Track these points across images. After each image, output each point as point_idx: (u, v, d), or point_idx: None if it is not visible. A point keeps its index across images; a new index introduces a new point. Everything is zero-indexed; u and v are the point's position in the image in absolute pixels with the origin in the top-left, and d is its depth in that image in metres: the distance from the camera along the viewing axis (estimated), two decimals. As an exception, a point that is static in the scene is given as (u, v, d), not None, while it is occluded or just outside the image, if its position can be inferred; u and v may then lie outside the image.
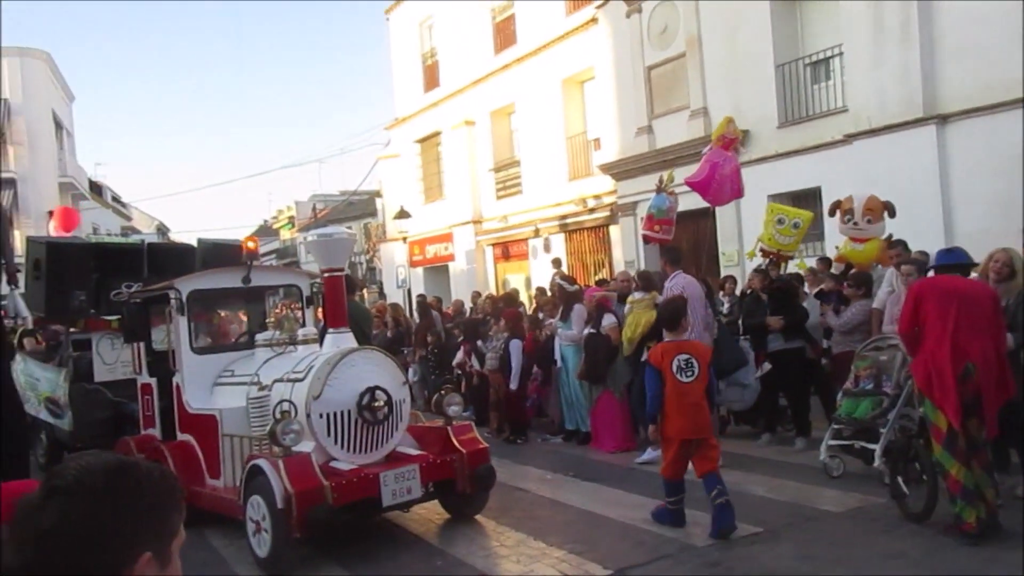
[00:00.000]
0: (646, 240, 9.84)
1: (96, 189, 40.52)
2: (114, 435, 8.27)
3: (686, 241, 13.03)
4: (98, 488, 1.18)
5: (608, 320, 8.62)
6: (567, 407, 9.47)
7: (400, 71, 24.16)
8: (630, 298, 8.51)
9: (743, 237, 13.11)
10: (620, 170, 15.73)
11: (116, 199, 46.13)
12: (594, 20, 16.42)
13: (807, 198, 12.30)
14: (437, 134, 22.28)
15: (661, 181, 9.20)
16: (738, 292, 10.88)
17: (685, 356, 5.69)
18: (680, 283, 7.71)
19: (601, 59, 16.44)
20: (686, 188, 9.40)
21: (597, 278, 14.52)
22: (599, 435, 8.86)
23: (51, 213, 21.60)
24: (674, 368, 5.63)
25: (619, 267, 15.49)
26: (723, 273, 12.96)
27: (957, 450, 4.98)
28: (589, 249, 17.82)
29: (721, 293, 10.94)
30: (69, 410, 8.95)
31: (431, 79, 22.78)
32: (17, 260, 8.15)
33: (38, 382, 9.13)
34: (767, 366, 8.16)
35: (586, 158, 17.60)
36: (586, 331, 8.86)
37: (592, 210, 17.10)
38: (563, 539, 5.76)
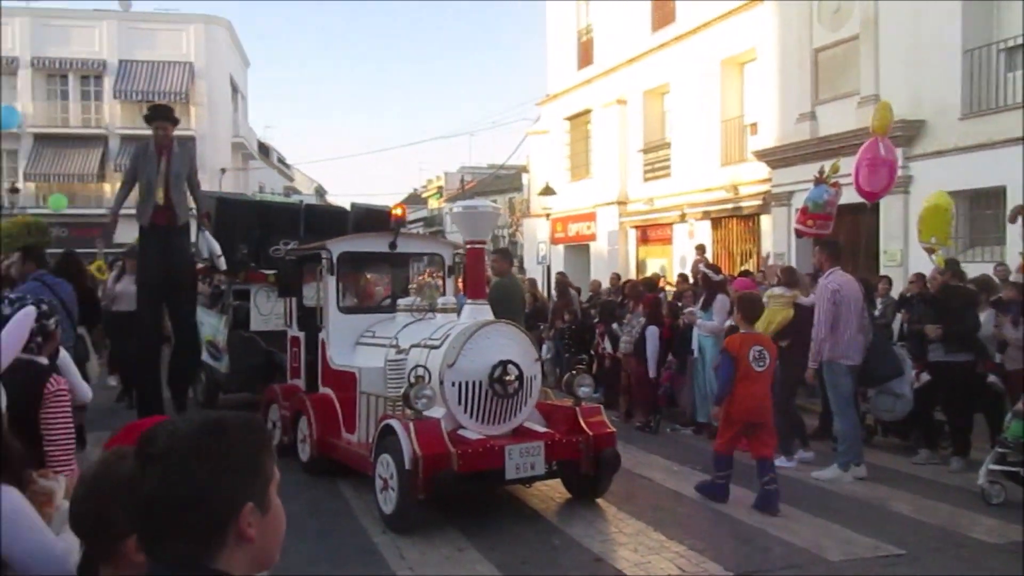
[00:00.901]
0: (798, 234, 9.36)
1: (264, 150, 43.18)
2: (264, 381, 8.81)
3: (843, 236, 12.28)
4: (189, 450, 1.20)
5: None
6: (700, 399, 9.19)
7: (554, 47, 24.07)
8: (768, 292, 8.11)
9: (909, 235, 12.19)
10: (776, 157, 15.00)
11: (281, 160, 48.97)
12: (760, -1, 15.66)
13: (988, 197, 11.26)
14: (587, 112, 22.08)
15: (822, 172, 8.67)
16: (896, 294, 10.16)
17: (759, 347, 6.29)
18: (836, 281, 7.22)
19: (765, 39, 15.68)
20: (850, 180, 8.82)
21: (742, 269, 13.97)
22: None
23: None
24: (750, 357, 6.20)
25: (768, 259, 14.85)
26: (882, 272, 12.12)
27: None
28: (736, 238, 17.18)
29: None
30: (226, 354, 9.61)
31: (585, 56, 22.55)
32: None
33: (202, 325, 9.84)
34: (925, 377, 7.57)
35: (740, 143, 16.91)
36: (727, 323, 8.54)
37: (743, 198, 16.45)
38: (684, 534, 5.60)
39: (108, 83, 31.74)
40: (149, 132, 8.29)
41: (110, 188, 31.77)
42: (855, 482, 6.92)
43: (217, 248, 8.77)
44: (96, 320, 8.51)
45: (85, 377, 8.04)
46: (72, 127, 32.01)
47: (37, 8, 32.15)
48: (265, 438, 1.31)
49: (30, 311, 2.83)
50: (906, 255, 12.32)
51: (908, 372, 7.68)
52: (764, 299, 8.03)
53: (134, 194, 8.51)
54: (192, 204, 8.76)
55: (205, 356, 9.93)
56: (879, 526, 5.67)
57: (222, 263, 8.92)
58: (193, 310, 9.08)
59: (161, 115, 8.34)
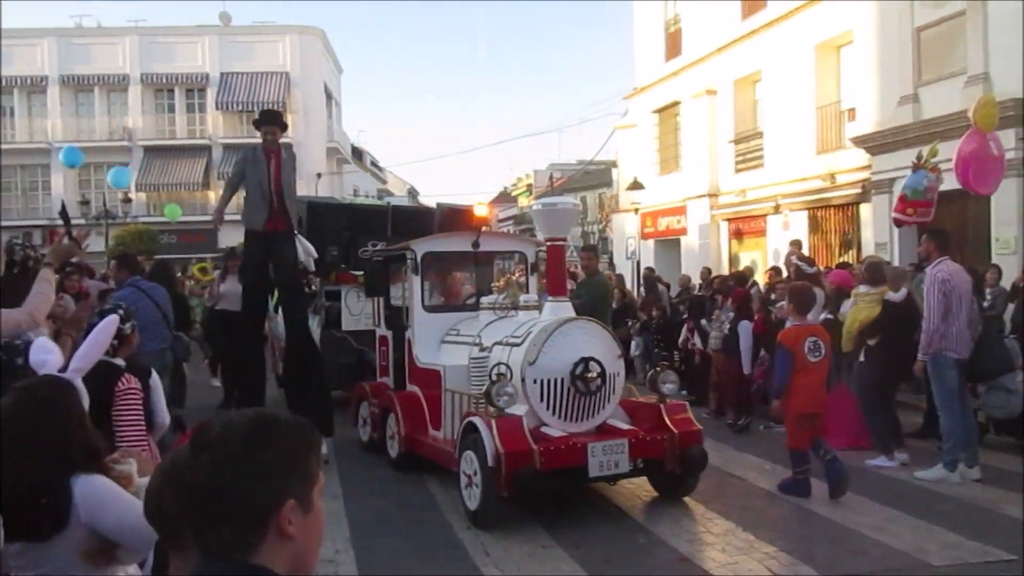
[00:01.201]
0: (897, 224, 8.92)
1: (357, 154, 44.32)
2: (356, 379, 9.03)
3: (949, 223, 11.63)
4: (240, 442, 1.24)
5: (847, 307, 7.93)
6: (795, 395, 8.88)
7: (641, 40, 23.73)
8: (855, 291, 7.77)
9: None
10: (877, 143, 14.33)
11: (374, 163, 50.16)
12: (857, -22, 14.98)
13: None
14: (676, 104, 21.68)
15: (919, 157, 8.24)
16: (1007, 284, 9.54)
17: (813, 338, 6.28)
18: (945, 271, 6.80)
19: (862, 21, 15.00)
20: (951, 166, 8.35)
21: (840, 260, 13.43)
22: (829, 429, 8.19)
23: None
24: (805, 349, 6.18)
25: (868, 249, 14.23)
26: (993, 261, 11.41)
27: None
28: (834, 228, 16.51)
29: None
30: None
31: (673, 47, 22.14)
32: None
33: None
34: (1038, 371, 7.09)
35: (837, 130, 16.24)
36: (822, 316, 8.23)
37: (841, 186, 15.80)
38: (775, 535, 5.43)
39: (210, 95, 33.28)
40: (249, 141, 8.52)
41: (214, 195, 33.31)
42: (963, 483, 6.54)
43: (312, 249, 8.73)
44: (187, 324, 8.95)
45: (182, 377, 8.44)
46: (178, 139, 33.73)
47: (144, 27, 34.02)
48: (313, 440, 1.35)
49: (113, 319, 3.01)
50: (1020, 242, 11.57)
51: (1020, 367, 7.21)
52: (851, 298, 7.72)
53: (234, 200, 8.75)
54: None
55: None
56: (988, 530, 5.33)
57: (311, 264, 8.85)
58: (305, 317, 8.74)
59: (270, 120, 8.20)
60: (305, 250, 8.58)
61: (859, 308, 7.48)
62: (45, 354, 2.52)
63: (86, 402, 2.44)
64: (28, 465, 2.15)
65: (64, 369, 2.49)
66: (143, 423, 3.38)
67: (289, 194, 7.96)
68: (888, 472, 6.98)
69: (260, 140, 7.95)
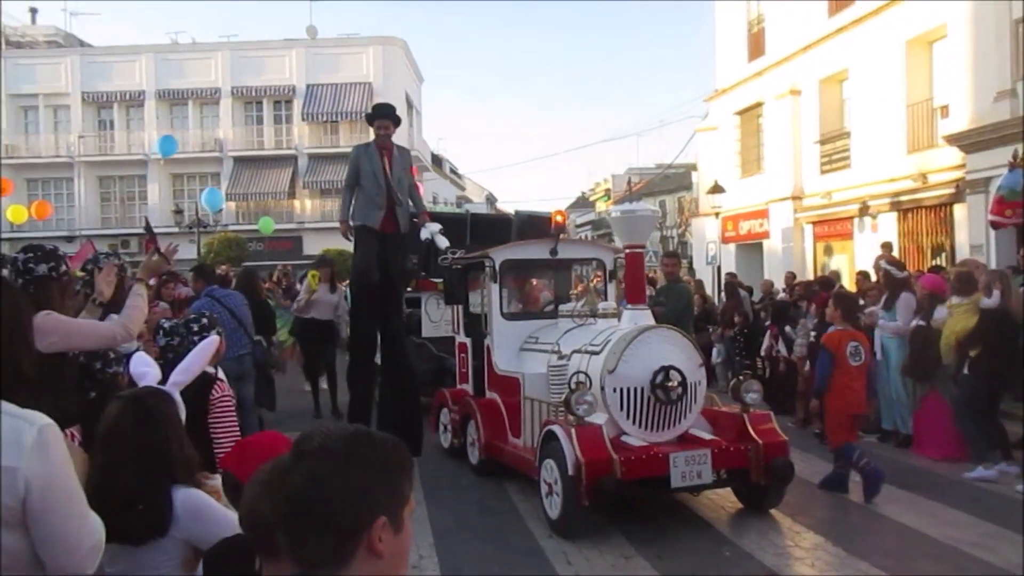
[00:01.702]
0: (994, 226, 8.54)
1: (437, 162, 44.95)
2: (436, 386, 9.15)
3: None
4: (340, 453, 1.27)
5: (941, 313, 7.60)
6: (886, 404, 8.57)
7: (723, 41, 23.34)
8: (948, 302, 7.44)
9: None
10: (972, 140, 13.70)
11: (453, 171, 50.76)
12: (950, -30, 14.37)
13: None
14: (759, 105, 21.22)
15: (1016, 156, 7.86)
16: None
17: (855, 343, 6.59)
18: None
19: (956, 14, 14.38)
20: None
21: (932, 264, 12.88)
22: (922, 439, 7.91)
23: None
24: (848, 352, 6.46)
25: (963, 252, 13.61)
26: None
27: None
28: (926, 230, 15.85)
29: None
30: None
31: (756, 47, 21.69)
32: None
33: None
34: None
35: (930, 128, 15.59)
36: (914, 323, 7.92)
37: (933, 186, 15.16)
38: (868, 550, 5.25)
39: (297, 106, 34.32)
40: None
41: (299, 204, 34.40)
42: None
43: (445, 241, 8.12)
44: (270, 331, 9.23)
45: (270, 381, 8.65)
46: (266, 149, 34.91)
47: (236, 42, 35.37)
48: (407, 462, 1.38)
49: (214, 339, 3.15)
50: None
51: None
52: (946, 309, 7.40)
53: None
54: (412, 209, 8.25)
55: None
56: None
57: (442, 240, 8.16)
58: (403, 331, 8.34)
59: (383, 113, 7.68)
60: (437, 244, 8.13)
61: (955, 319, 7.16)
62: (145, 367, 2.65)
63: (183, 415, 2.57)
64: (129, 471, 2.26)
65: (164, 381, 2.62)
66: (238, 430, 3.53)
67: (401, 194, 7.49)
68: (988, 486, 6.67)
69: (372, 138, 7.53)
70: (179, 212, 29.44)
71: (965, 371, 7.09)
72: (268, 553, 1.70)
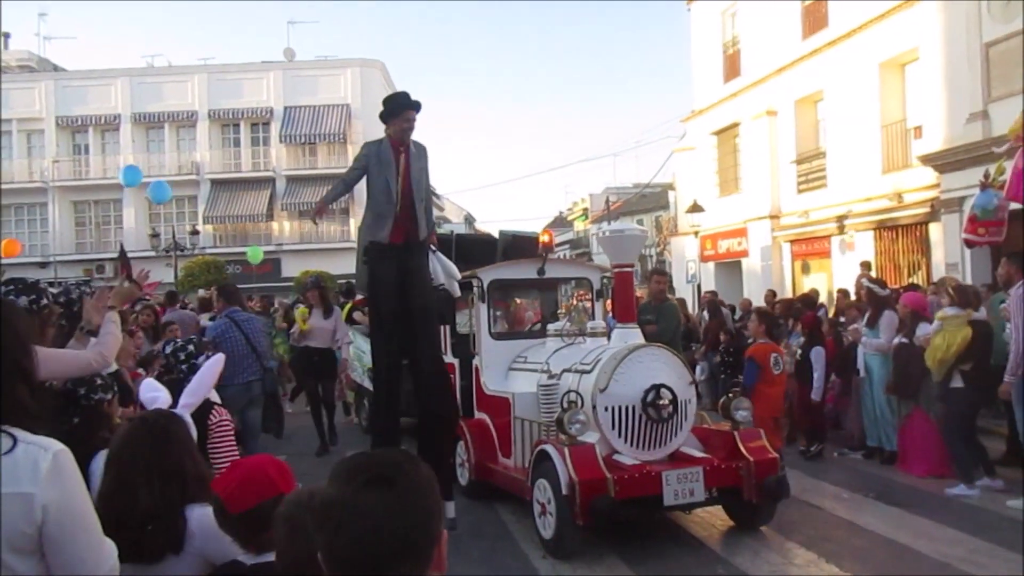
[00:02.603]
0: (968, 244, 8.69)
1: (415, 183, 44.90)
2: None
3: (1021, 242, 11.23)
4: (422, 477, 1.31)
5: (924, 330, 7.70)
6: (870, 421, 8.66)
7: (699, 62, 23.67)
8: (940, 314, 7.48)
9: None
10: (945, 161, 13.98)
11: (432, 192, 50.82)
12: (921, -6, 14.72)
13: None
14: (735, 125, 21.52)
15: (987, 176, 8.05)
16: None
17: (775, 355, 7.44)
18: (1025, 294, 6.60)
19: (928, 37, 14.71)
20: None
21: (909, 282, 13.07)
22: (907, 456, 7.99)
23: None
24: (771, 363, 7.32)
25: (939, 270, 13.84)
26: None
27: None
28: (902, 249, 16.10)
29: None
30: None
31: (732, 69, 22.03)
32: (351, 245, 9.00)
33: (364, 354, 10.28)
34: None
35: (904, 148, 15.89)
36: (896, 340, 8.02)
37: (908, 205, 15.43)
38: (860, 567, 5.28)
39: (274, 128, 34.23)
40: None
41: (277, 227, 34.21)
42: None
43: (455, 271, 6.93)
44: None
45: (277, 407, 8.27)
46: (244, 172, 34.75)
47: (213, 65, 35.29)
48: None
49: (220, 358, 3.13)
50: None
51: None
52: (936, 321, 7.44)
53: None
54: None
55: (367, 383, 10.29)
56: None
57: (456, 288, 7.01)
58: (440, 354, 6.95)
59: (407, 104, 6.30)
60: (447, 272, 6.81)
61: (951, 332, 7.13)
62: (154, 392, 2.65)
63: (194, 434, 2.55)
64: (143, 491, 2.25)
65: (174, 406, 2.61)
66: (237, 454, 3.51)
67: (422, 196, 6.35)
68: (972, 501, 6.73)
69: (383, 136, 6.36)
70: (156, 236, 29.16)
71: (952, 385, 7.13)
72: None
